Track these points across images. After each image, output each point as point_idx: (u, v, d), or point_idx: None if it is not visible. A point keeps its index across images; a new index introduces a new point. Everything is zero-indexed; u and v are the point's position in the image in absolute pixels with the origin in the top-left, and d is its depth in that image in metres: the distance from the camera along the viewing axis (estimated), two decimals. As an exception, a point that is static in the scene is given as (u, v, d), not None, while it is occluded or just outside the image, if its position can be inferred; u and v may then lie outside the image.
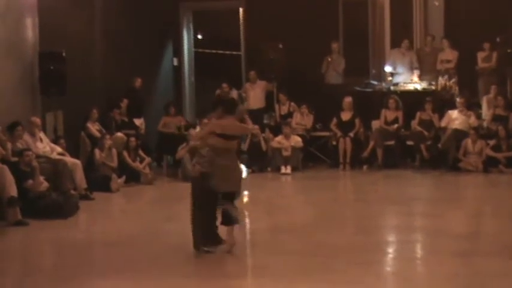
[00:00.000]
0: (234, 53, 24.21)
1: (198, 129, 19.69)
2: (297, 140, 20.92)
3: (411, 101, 21.33)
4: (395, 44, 22.37)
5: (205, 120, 14.23)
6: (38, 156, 16.44)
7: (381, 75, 22.16)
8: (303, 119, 21.68)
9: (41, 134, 17.46)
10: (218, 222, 12.38)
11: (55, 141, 18.00)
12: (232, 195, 12.43)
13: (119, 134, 19.26)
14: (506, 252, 12.82)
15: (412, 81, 22.24)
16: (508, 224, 15.47)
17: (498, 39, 20.74)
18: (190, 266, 12.06)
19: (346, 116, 21.22)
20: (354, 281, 10.97)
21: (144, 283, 11.06)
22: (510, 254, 12.63)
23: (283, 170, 20.58)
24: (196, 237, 12.25)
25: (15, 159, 15.76)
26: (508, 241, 13.75)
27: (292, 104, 21.95)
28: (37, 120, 17.46)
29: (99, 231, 15.16)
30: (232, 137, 12.57)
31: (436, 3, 22.71)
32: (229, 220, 12.18)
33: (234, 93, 22.22)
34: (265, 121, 21.91)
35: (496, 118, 20.26)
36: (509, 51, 20.70)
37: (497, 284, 11.14)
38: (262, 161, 21.06)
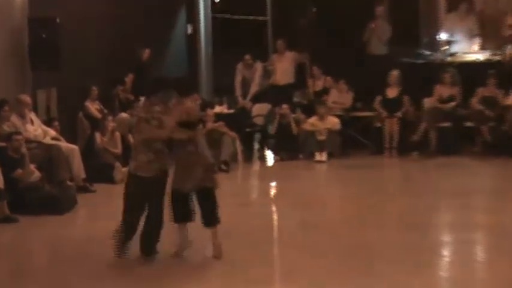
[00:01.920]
0: (259, 18, 24.27)
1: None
2: (333, 122, 21.02)
3: (471, 74, 21.30)
4: (451, 6, 22.39)
5: (143, 106, 13.70)
6: (28, 141, 16.57)
7: (435, 44, 22.18)
8: (340, 96, 21.77)
9: (32, 115, 17.55)
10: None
11: (48, 123, 18.13)
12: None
13: (123, 115, 19.34)
14: None
15: (472, 51, 22.26)
16: None
17: None
18: (207, 268, 12.21)
19: (392, 92, 21.32)
20: (399, 283, 11.10)
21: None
22: None
23: (317, 157, 20.72)
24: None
25: (1, 144, 15.93)
26: None
27: (328, 78, 22.05)
28: (27, 98, 17.50)
29: (101, 228, 15.22)
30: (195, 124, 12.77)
31: None
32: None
33: (259, 66, 22.30)
34: (295, 99, 22.01)
35: None
36: None
37: None
38: (293, 146, 21.15)
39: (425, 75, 21.00)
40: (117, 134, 18.93)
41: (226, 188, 18.84)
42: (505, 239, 13.98)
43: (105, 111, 19.21)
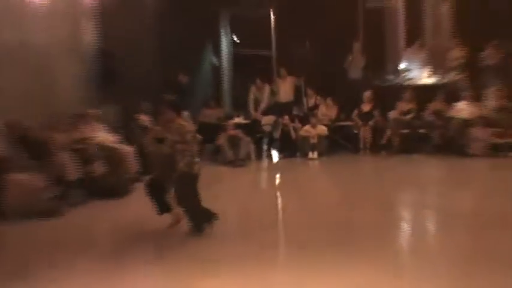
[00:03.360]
0: (267, 53, 24.40)
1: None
2: (322, 129, 21.12)
3: (423, 94, 21.50)
4: (408, 43, 22.52)
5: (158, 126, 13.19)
6: (96, 144, 16.64)
7: (397, 71, 22.31)
8: (328, 110, 21.92)
9: (99, 125, 17.64)
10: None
11: (110, 131, 18.09)
12: None
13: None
14: (510, 227, 12.90)
15: (424, 77, 22.40)
16: (510, 202, 15.54)
17: (500, 40, 20.83)
18: (240, 241, 12.13)
19: (366, 107, 21.50)
20: (373, 250, 11.04)
21: (187, 250, 11.26)
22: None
23: (310, 155, 20.78)
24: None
25: (76, 147, 15.95)
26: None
27: (318, 97, 22.20)
28: (95, 112, 17.65)
29: (148, 208, 15.28)
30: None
31: (446, 7, 22.75)
32: None
33: (267, 88, 22.41)
34: (294, 112, 22.14)
35: (500, 108, 20.32)
36: (510, 50, 20.81)
37: (499, 251, 11.19)
38: (292, 147, 21.25)
39: (390, 94, 21.18)
40: None
41: (243, 177, 19.07)
42: (452, 217, 13.97)
43: (153, 122, 19.27)
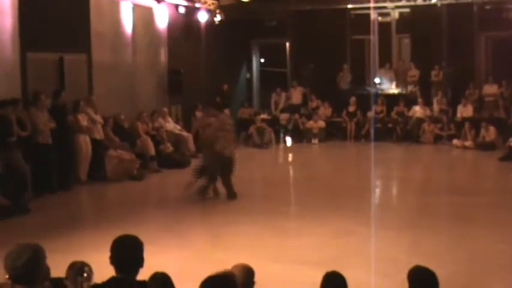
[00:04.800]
0: (283, 70, 24.12)
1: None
2: (321, 123, 20.81)
3: (390, 100, 21.13)
4: (381, 65, 22.27)
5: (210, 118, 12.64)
6: (166, 131, 16.78)
7: (373, 84, 22.04)
8: (325, 110, 21.51)
9: (168, 118, 17.68)
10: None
11: (176, 122, 18.24)
12: None
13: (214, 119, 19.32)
14: (447, 191, 13.20)
15: (391, 88, 22.15)
16: (448, 173, 15.77)
17: (443, 63, 20.69)
18: (266, 200, 12.38)
19: (352, 108, 20.92)
20: (351, 207, 11.35)
21: (230, 205, 11.64)
22: (450, 192, 13.03)
23: (313, 141, 20.52)
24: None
25: (153, 133, 16.13)
26: (448, 185, 14.09)
27: (319, 101, 21.80)
28: (166, 109, 17.69)
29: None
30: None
31: (406, 41, 22.69)
32: None
33: (283, 94, 22.32)
34: (302, 111, 21.82)
35: (441, 111, 20.28)
36: (449, 71, 20.67)
37: (441, 210, 11.54)
38: (300, 135, 21.09)
39: (368, 100, 20.74)
40: None
41: (266, 156, 19.08)
42: (407, 184, 14.30)
43: (205, 117, 19.10)
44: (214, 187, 12.20)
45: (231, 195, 11.96)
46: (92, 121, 13.87)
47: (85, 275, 3.97)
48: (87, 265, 4.08)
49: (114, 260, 4.13)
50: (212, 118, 12.29)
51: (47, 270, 3.92)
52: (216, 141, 11.69)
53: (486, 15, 20.66)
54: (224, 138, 11.78)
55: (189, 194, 11.99)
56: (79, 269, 3.99)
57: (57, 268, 4.17)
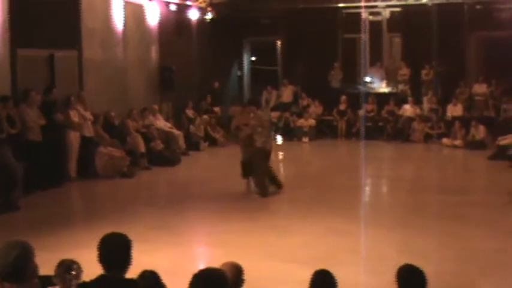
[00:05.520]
0: (274, 67, 24.11)
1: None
2: (312, 122, 20.84)
3: (381, 99, 21.15)
4: (372, 64, 22.29)
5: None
6: (157, 129, 16.76)
7: (364, 83, 22.05)
8: (316, 108, 21.50)
9: (159, 115, 17.65)
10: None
11: (167, 120, 18.18)
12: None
13: (205, 116, 19.36)
14: (437, 190, 13.26)
15: (382, 87, 22.17)
16: (437, 172, 15.81)
17: (433, 62, 20.75)
18: (258, 198, 12.24)
19: (342, 107, 20.90)
20: (342, 205, 11.37)
21: (221, 203, 11.66)
22: (440, 191, 13.09)
23: (303, 139, 20.50)
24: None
25: (144, 130, 16.13)
26: (438, 183, 14.14)
27: (309, 99, 21.75)
28: (156, 107, 17.67)
29: (193, 174, 15.60)
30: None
31: (397, 40, 22.73)
32: None
33: (274, 92, 22.32)
34: (292, 109, 21.81)
35: (431, 110, 20.31)
36: (439, 70, 20.70)
37: (431, 208, 11.57)
38: (291, 134, 21.00)
39: (359, 98, 20.68)
40: (202, 126, 18.77)
41: None
42: (398, 182, 14.32)
43: (196, 114, 19.18)
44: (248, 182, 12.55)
45: (279, 185, 12.42)
46: (83, 118, 13.84)
47: (73, 272, 3.94)
48: (76, 263, 4.05)
49: (102, 258, 4.11)
50: (250, 114, 12.53)
51: (36, 267, 3.90)
52: (257, 138, 12.04)
53: (476, 15, 20.74)
54: (263, 133, 12.18)
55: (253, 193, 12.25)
56: (68, 267, 3.97)
57: (47, 266, 4.16)
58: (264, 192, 12.08)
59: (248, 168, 12.33)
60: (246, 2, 21.59)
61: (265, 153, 12.18)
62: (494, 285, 7.62)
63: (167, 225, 10.09)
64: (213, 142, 19.09)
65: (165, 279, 4.73)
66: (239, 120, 13.39)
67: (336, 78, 22.27)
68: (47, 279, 4.06)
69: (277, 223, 10.34)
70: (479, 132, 18.37)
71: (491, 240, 9.16)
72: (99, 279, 4.09)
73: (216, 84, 21.30)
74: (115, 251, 4.12)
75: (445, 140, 19.02)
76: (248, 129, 12.33)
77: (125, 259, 4.13)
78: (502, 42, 20.40)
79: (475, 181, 14.86)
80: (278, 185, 12.45)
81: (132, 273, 4.29)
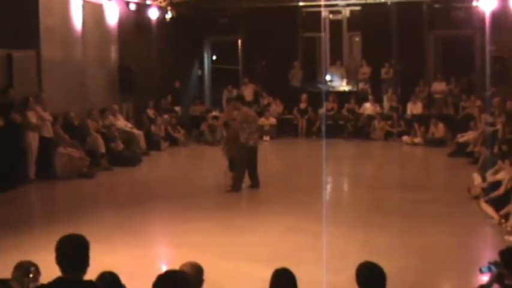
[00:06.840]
0: (235, 67, 24.05)
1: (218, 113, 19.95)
2: (273, 120, 20.79)
3: (341, 97, 21.24)
4: (332, 62, 22.38)
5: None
6: (117, 129, 16.70)
7: (324, 81, 22.10)
8: (276, 107, 21.48)
9: (119, 115, 17.58)
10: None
11: (127, 119, 18.12)
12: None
13: (166, 116, 19.27)
14: (397, 187, 13.30)
15: (342, 85, 22.28)
16: (398, 170, 15.93)
17: (393, 61, 20.86)
18: (218, 197, 12.30)
19: (303, 106, 20.91)
20: (303, 204, 11.42)
21: (182, 203, 11.59)
22: (400, 188, 13.12)
23: (264, 138, 20.23)
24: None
25: (104, 130, 16.04)
26: (398, 181, 14.23)
27: (270, 98, 21.79)
28: (116, 107, 17.57)
29: (154, 174, 15.53)
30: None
31: (357, 39, 22.83)
32: None
33: (235, 92, 22.28)
34: (253, 108, 21.71)
35: (391, 108, 20.44)
36: (398, 68, 20.82)
37: (391, 206, 11.65)
38: None
39: (320, 97, 20.74)
40: (163, 126, 18.70)
41: (217, 154, 18.96)
42: (360, 180, 14.41)
43: (157, 114, 19.09)
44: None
45: (255, 184, 12.59)
46: (41, 118, 13.68)
47: (31, 275, 3.89)
48: (34, 265, 4.01)
49: (60, 260, 4.03)
50: (235, 111, 12.72)
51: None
52: (241, 134, 12.27)
53: (435, 14, 20.98)
54: (248, 129, 12.35)
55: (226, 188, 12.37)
56: (25, 270, 3.92)
57: (4, 269, 4.10)
58: (236, 187, 12.25)
59: (232, 164, 12.51)
60: (206, 1, 21.51)
61: (249, 149, 12.34)
62: (455, 280, 7.72)
63: (127, 226, 10.02)
64: (174, 142, 18.99)
65: (124, 280, 4.70)
66: (227, 116, 13.45)
67: (296, 77, 22.28)
68: (3, 283, 4.00)
69: (237, 222, 10.34)
70: (439, 129, 18.58)
71: (452, 237, 9.28)
72: (57, 281, 4.02)
73: (177, 84, 21.22)
74: (72, 253, 4.04)
75: (405, 138, 19.17)
76: (233, 126, 12.58)
77: (83, 261, 4.05)
78: (460, 41, 20.69)
79: (435, 178, 15.04)
80: (255, 184, 12.59)
81: (92, 274, 4.24)
